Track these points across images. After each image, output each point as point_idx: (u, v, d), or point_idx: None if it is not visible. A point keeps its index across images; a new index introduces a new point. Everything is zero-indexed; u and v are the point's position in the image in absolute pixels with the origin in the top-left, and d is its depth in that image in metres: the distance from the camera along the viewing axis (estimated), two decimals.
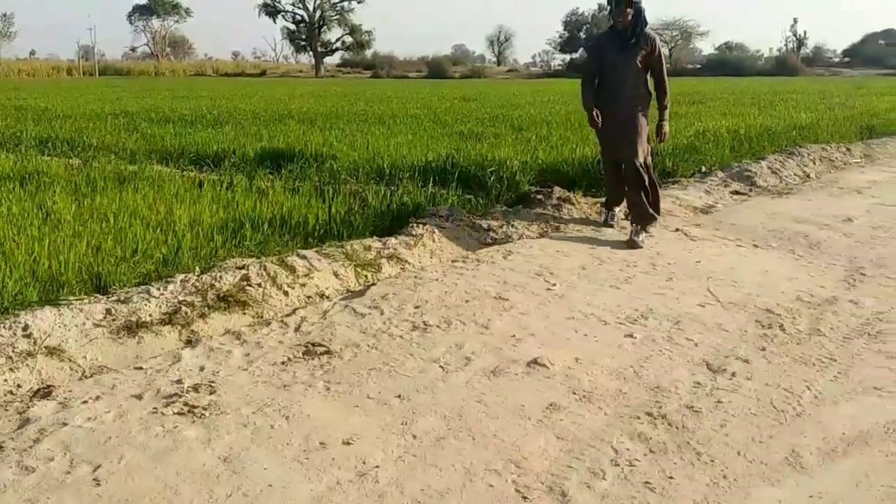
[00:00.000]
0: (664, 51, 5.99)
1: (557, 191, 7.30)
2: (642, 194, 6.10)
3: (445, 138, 11.26)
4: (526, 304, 4.55)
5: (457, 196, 6.99)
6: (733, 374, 3.58)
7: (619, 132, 6.15)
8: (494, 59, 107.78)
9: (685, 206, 7.61)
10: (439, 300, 4.61)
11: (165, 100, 21.86)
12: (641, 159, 6.10)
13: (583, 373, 3.57)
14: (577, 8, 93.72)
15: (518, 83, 46.56)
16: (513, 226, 6.41)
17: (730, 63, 68.05)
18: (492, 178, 7.48)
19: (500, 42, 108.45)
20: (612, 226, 6.56)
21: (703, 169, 9.34)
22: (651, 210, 6.14)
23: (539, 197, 7.20)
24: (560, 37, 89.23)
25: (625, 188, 6.28)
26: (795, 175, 9.69)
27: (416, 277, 5.08)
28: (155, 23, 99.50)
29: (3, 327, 3.59)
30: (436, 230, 5.88)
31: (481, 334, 4.05)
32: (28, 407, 3.13)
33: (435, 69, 71.64)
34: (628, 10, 5.93)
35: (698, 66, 73.02)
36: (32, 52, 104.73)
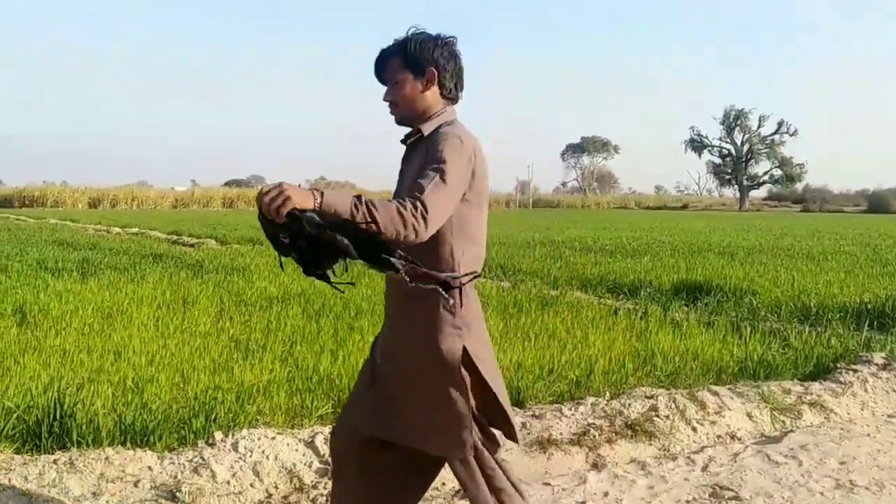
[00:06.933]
0: (449, 150, 2.24)
1: None
2: None
3: (886, 278, 10.16)
4: None
5: None
6: None
7: (381, 387, 2.50)
8: None
9: None
10: (870, 458, 4.07)
11: (589, 230, 23.13)
12: (467, 448, 2.37)
13: None
14: None
15: None
16: None
17: None
18: None
19: None
20: None
21: None
22: None
23: None
24: None
25: None
26: None
27: (842, 430, 4.58)
28: (585, 159, 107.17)
29: None
30: (869, 379, 5.26)
31: None
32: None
33: (876, 203, 65.35)
34: (403, 75, 2.40)
35: None
36: None
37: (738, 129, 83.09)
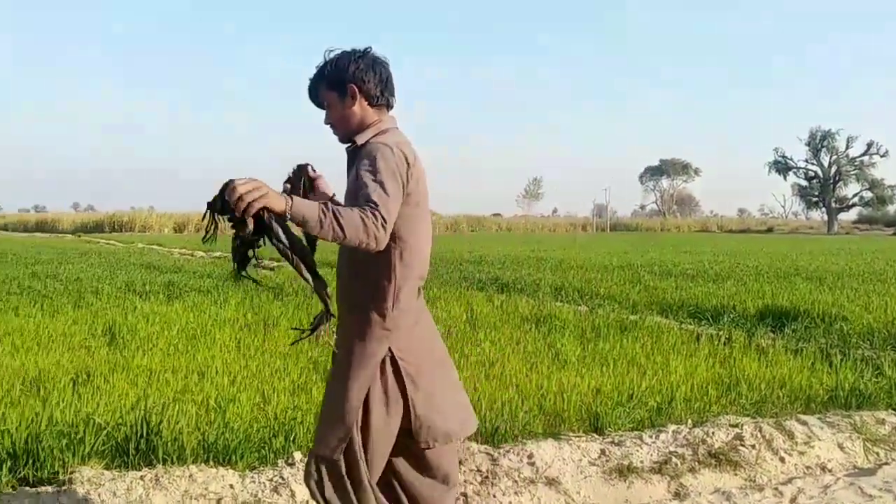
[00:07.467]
0: (381, 160, 2.29)
1: None
2: None
3: None
4: None
5: None
6: None
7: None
8: None
9: None
10: None
11: (668, 254, 22.66)
12: (325, 449, 2.47)
13: None
14: None
15: None
16: None
17: None
18: None
19: None
20: None
21: None
22: None
23: None
24: None
25: None
26: None
27: None
28: (664, 182, 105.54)
29: (513, 453, 3.98)
30: None
31: None
32: None
33: None
34: (330, 97, 2.53)
35: None
36: (554, 210, 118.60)
37: (824, 150, 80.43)
